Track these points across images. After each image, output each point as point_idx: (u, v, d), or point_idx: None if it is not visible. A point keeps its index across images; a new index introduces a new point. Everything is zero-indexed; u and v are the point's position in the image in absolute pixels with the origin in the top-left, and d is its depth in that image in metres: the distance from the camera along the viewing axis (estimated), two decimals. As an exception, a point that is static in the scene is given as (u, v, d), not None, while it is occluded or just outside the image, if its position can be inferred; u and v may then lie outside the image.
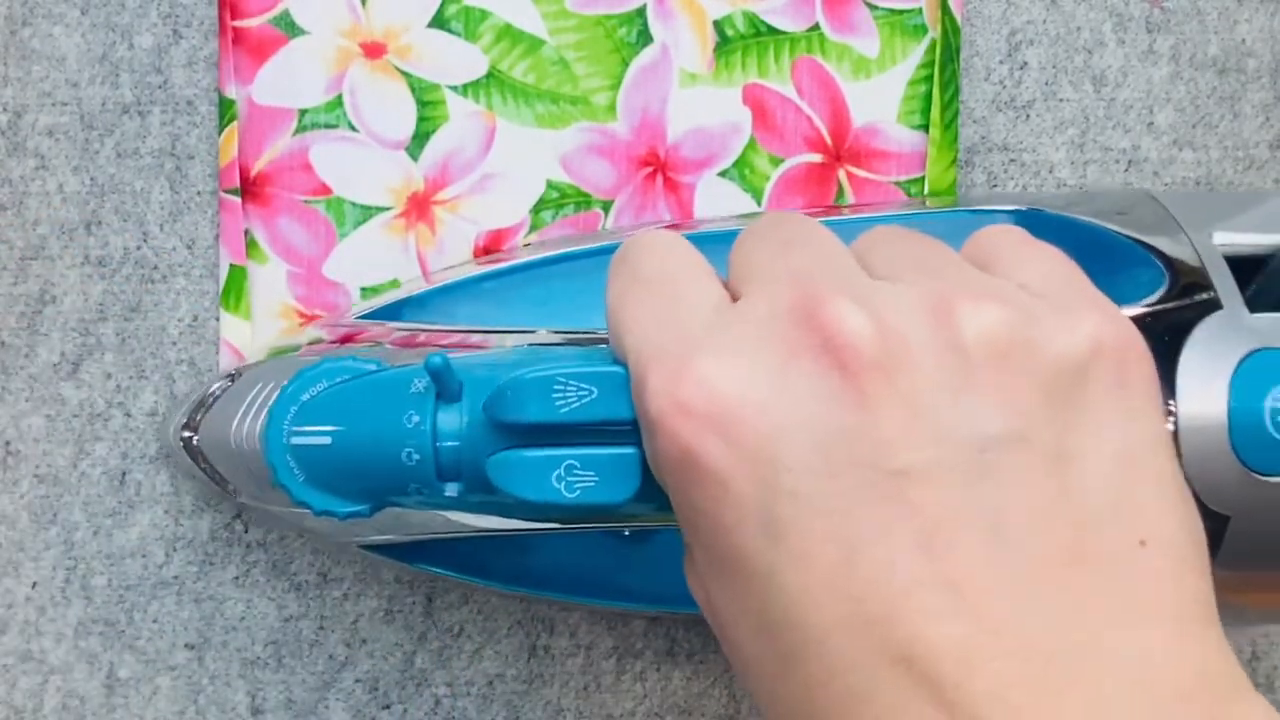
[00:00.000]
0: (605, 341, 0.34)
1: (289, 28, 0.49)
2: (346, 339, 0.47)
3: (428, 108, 0.49)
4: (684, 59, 0.49)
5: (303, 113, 0.49)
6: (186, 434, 0.46)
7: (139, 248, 0.49)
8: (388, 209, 0.49)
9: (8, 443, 0.49)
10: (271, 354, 0.48)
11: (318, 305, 0.49)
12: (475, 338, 0.45)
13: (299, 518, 0.46)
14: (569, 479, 0.33)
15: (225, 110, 0.48)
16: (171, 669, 0.50)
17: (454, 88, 0.49)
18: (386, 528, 0.46)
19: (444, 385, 0.34)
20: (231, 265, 0.48)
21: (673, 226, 0.48)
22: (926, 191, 0.49)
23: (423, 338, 0.45)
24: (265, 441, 0.35)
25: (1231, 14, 0.50)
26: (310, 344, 0.47)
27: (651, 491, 0.33)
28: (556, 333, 0.45)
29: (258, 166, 0.49)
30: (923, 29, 0.49)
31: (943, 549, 0.28)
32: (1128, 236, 0.40)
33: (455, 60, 0.49)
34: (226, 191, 0.48)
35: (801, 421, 0.29)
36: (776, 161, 0.49)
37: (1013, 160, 0.50)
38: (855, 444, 0.29)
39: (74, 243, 0.49)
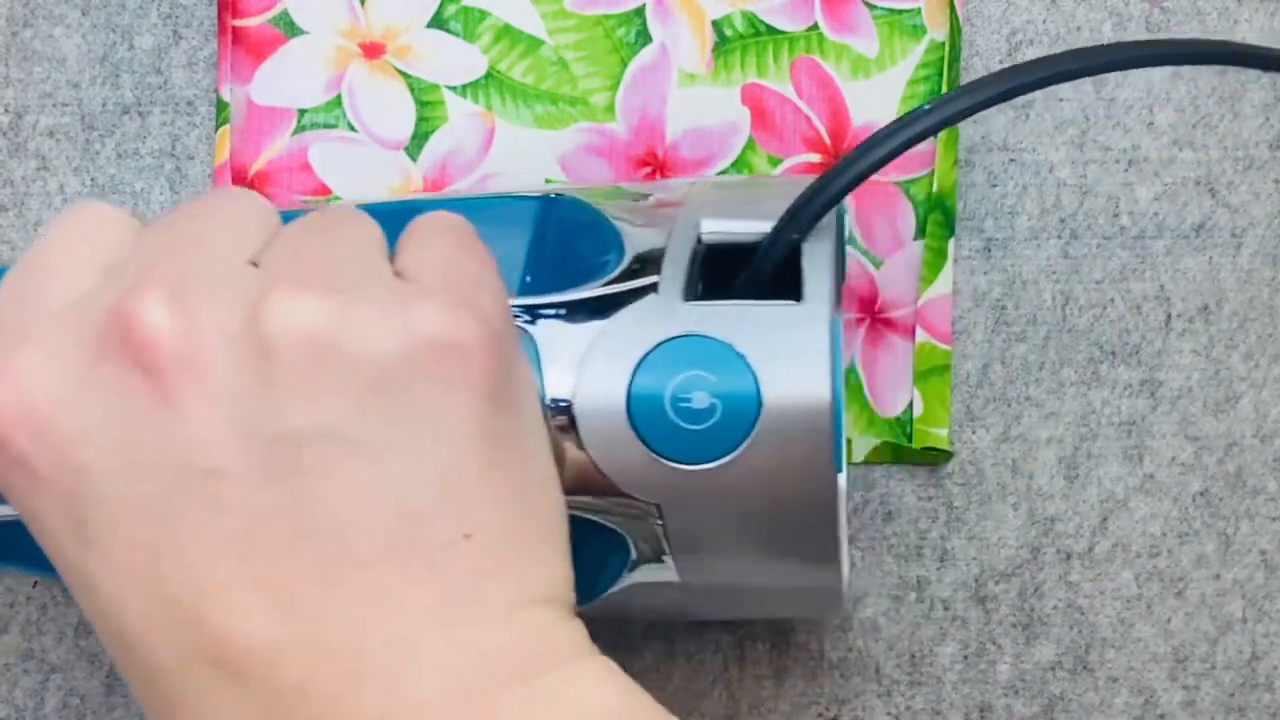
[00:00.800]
0: None
1: (288, 27, 0.49)
2: None
3: (427, 108, 0.49)
4: (683, 59, 0.49)
5: (302, 113, 0.49)
6: None
7: (139, 248, 0.49)
8: (387, 209, 0.49)
9: (9, 442, 0.50)
10: None
11: (317, 305, 0.49)
12: None
13: None
14: None
15: (220, 111, 0.49)
16: (172, 668, 0.50)
17: (453, 88, 0.49)
18: None
19: None
20: None
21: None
22: (935, 189, 0.49)
23: None
24: None
25: (1231, 14, 0.50)
26: None
27: None
28: None
29: (256, 166, 0.49)
30: (922, 29, 0.49)
31: (252, 549, 0.28)
32: (614, 220, 0.39)
33: (454, 60, 0.49)
34: None
35: (104, 423, 0.29)
36: (775, 161, 0.49)
37: (1013, 160, 0.50)
38: (162, 446, 0.28)
39: (74, 243, 0.49)
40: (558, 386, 0.35)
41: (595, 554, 0.38)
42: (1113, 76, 0.50)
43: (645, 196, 0.42)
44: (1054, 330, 0.50)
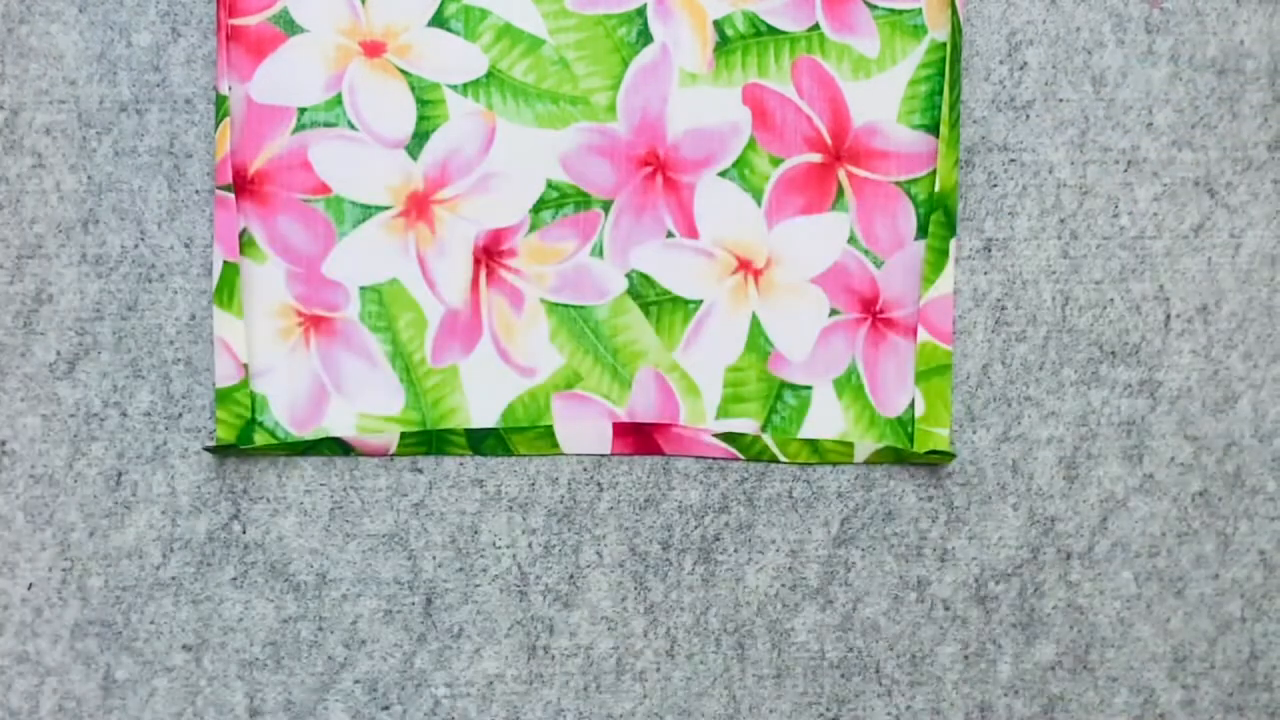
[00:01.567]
0: None
1: (288, 26, 0.49)
2: None
3: (427, 107, 0.49)
4: (684, 59, 0.49)
5: (302, 111, 0.49)
6: None
7: (136, 246, 0.49)
8: (387, 208, 0.49)
9: (3, 443, 0.49)
10: None
11: (317, 304, 0.49)
12: None
13: None
14: None
15: (219, 107, 0.48)
16: (169, 670, 0.49)
17: (454, 87, 0.49)
18: None
19: None
20: (225, 262, 0.48)
21: None
22: (938, 189, 0.49)
23: None
24: None
25: (1230, 15, 0.50)
26: None
27: None
28: None
29: (256, 165, 0.49)
30: (922, 29, 0.49)
31: None
32: None
33: (455, 59, 0.49)
34: (220, 188, 0.48)
35: None
36: (776, 161, 0.49)
37: (1013, 160, 0.50)
38: None
39: (71, 241, 0.49)
40: None
41: None
42: (1112, 76, 0.50)
43: None
44: (1054, 330, 0.50)
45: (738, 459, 0.49)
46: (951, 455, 0.49)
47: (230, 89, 0.49)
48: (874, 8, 0.49)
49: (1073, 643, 0.50)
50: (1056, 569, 0.50)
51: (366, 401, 0.49)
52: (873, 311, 0.49)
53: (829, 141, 0.49)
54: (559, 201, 0.49)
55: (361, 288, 0.49)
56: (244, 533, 0.49)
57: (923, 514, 0.50)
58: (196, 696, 0.49)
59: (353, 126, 0.49)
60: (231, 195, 0.48)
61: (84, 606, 0.49)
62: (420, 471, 0.49)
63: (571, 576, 0.50)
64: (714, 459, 0.49)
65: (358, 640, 0.50)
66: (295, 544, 0.49)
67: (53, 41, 0.49)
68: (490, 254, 0.49)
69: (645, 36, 0.49)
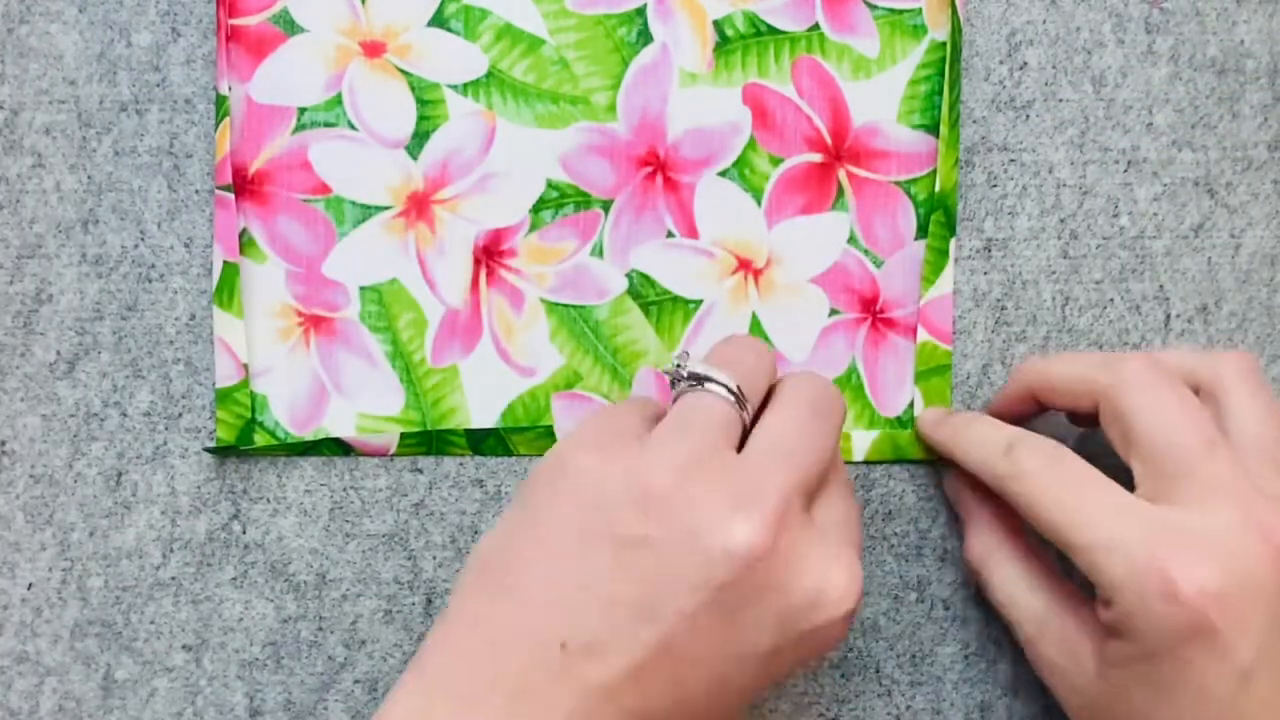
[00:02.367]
0: None
1: (288, 25, 0.49)
2: None
3: (427, 107, 0.49)
4: (684, 59, 0.49)
5: (302, 111, 0.49)
6: None
7: (136, 246, 0.49)
8: (387, 208, 0.49)
9: (3, 442, 0.49)
10: None
11: (316, 304, 0.49)
12: None
13: None
14: None
15: (219, 106, 0.48)
16: (169, 670, 0.49)
17: (454, 87, 0.49)
18: None
19: None
20: (225, 262, 0.48)
21: None
22: (938, 189, 0.49)
23: None
24: None
25: (1230, 15, 0.50)
26: None
27: None
28: None
29: (255, 165, 0.49)
30: (923, 29, 0.49)
31: None
32: None
33: (455, 59, 0.49)
34: (220, 188, 0.48)
35: None
36: (776, 161, 0.49)
37: (1012, 160, 0.50)
38: None
39: (71, 241, 0.49)
40: None
41: None
42: (1112, 76, 0.50)
43: None
44: (1054, 330, 0.50)
45: None
46: None
47: (230, 89, 0.49)
48: (874, 8, 0.49)
49: (1073, 643, 0.50)
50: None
51: (366, 401, 0.49)
52: (873, 311, 0.49)
53: (829, 141, 0.49)
54: (559, 201, 0.49)
55: (361, 288, 0.49)
56: (244, 533, 0.49)
57: (923, 514, 0.50)
58: (196, 696, 0.49)
59: (353, 126, 0.49)
60: (231, 195, 0.48)
61: (84, 606, 0.49)
62: (420, 471, 0.49)
63: (571, 576, 0.50)
64: None
65: (358, 640, 0.50)
66: (295, 544, 0.49)
67: (53, 41, 0.49)
68: (490, 254, 0.49)
69: (645, 36, 0.49)
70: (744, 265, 0.49)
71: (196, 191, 0.49)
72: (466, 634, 0.38)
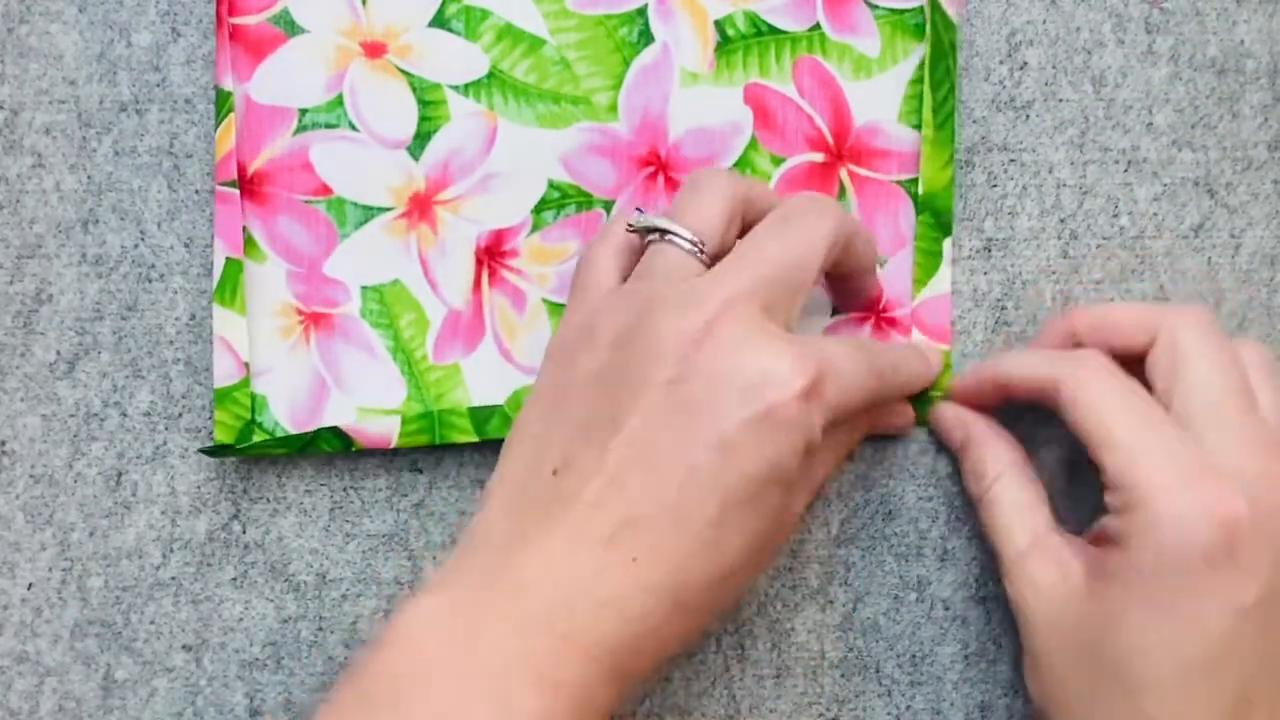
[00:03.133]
0: None
1: (288, 26, 0.49)
2: None
3: (429, 107, 0.49)
4: (685, 59, 0.49)
5: (303, 112, 0.49)
6: None
7: (136, 246, 0.49)
8: (389, 209, 0.49)
9: (3, 442, 0.49)
10: None
11: (317, 302, 0.49)
12: None
13: None
14: None
15: (222, 103, 0.48)
16: (169, 670, 0.49)
17: (455, 87, 0.49)
18: None
19: None
20: (227, 259, 0.48)
21: None
22: (922, 192, 0.49)
23: None
24: None
25: (1230, 15, 0.50)
26: None
27: None
28: None
29: (255, 165, 0.49)
30: (923, 29, 0.49)
31: None
32: None
33: (456, 60, 0.49)
34: (223, 184, 0.48)
35: None
36: (778, 161, 0.49)
37: (1012, 160, 0.50)
38: None
39: (71, 241, 0.49)
40: None
41: None
42: (1112, 76, 0.50)
43: None
44: (1054, 330, 0.50)
45: None
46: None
47: (231, 85, 0.49)
48: (875, 7, 0.49)
49: (1073, 642, 0.50)
50: (1057, 568, 0.50)
51: (367, 395, 0.49)
52: (875, 310, 0.49)
53: (830, 141, 0.49)
54: (560, 202, 0.49)
55: (363, 287, 0.49)
56: (244, 533, 0.49)
57: (923, 514, 0.50)
58: (196, 696, 0.49)
59: (354, 128, 0.49)
60: (235, 191, 0.48)
61: (84, 606, 0.49)
62: (420, 471, 0.49)
63: (571, 576, 0.50)
64: None
65: (358, 640, 0.50)
66: (295, 544, 0.49)
67: (53, 41, 0.49)
68: (492, 254, 0.49)
69: (646, 36, 0.49)
70: (745, 265, 0.49)
71: (196, 191, 0.49)
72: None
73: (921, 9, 0.49)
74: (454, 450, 0.49)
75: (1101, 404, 0.42)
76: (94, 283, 0.49)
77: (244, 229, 0.49)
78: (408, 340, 0.49)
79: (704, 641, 0.50)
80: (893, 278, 0.49)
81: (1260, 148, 0.50)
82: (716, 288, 0.41)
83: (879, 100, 0.49)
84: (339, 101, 0.49)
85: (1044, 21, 0.50)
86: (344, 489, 0.49)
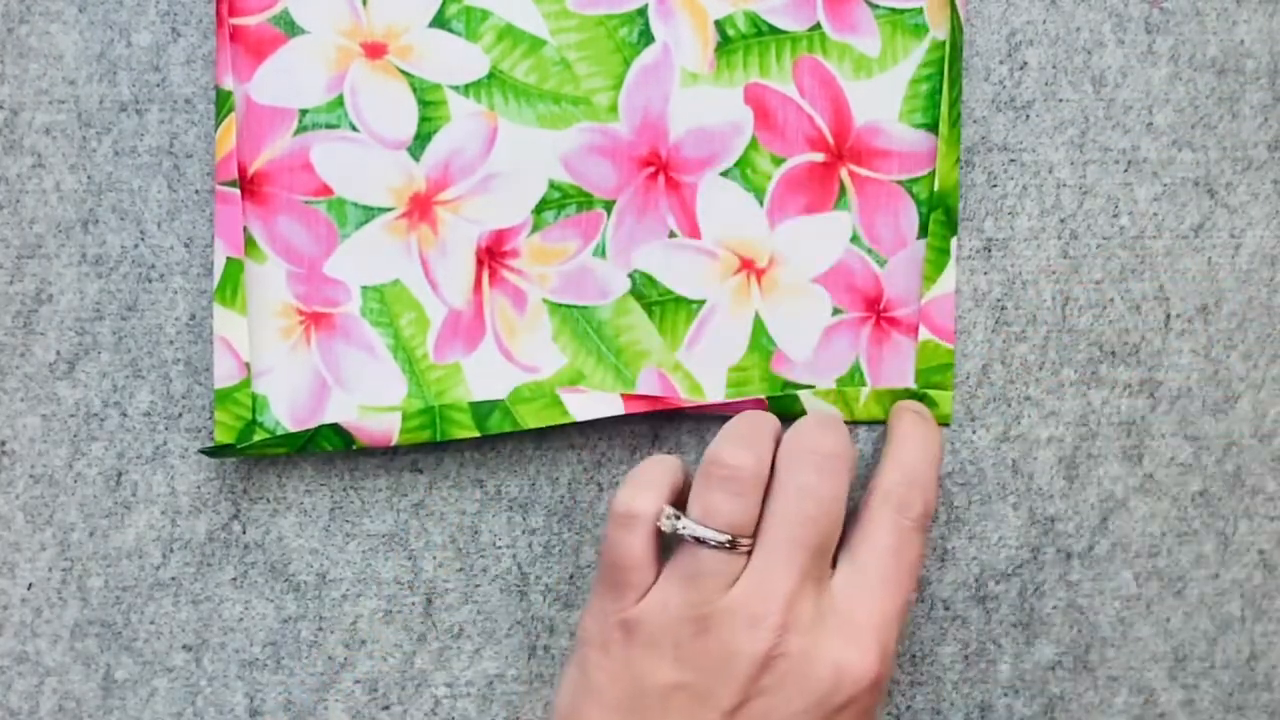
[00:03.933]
0: None
1: (288, 26, 0.49)
2: None
3: (429, 108, 0.49)
4: (685, 59, 0.49)
5: (303, 112, 0.49)
6: None
7: (136, 246, 0.49)
8: (390, 210, 0.49)
9: (3, 443, 0.49)
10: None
11: (318, 302, 0.49)
12: None
13: None
14: None
15: (222, 103, 0.48)
16: (169, 670, 0.49)
17: (455, 88, 0.49)
18: None
19: None
20: (228, 259, 0.48)
21: None
22: (936, 189, 0.49)
23: None
24: None
25: (1230, 15, 0.50)
26: None
27: None
28: None
29: (255, 165, 0.49)
30: (924, 28, 0.49)
31: None
32: None
33: (456, 60, 0.49)
34: (223, 184, 0.48)
35: None
36: (778, 161, 0.49)
37: (1012, 160, 0.50)
38: None
39: (71, 241, 0.49)
40: None
41: None
42: (1112, 76, 0.50)
43: None
44: (1054, 330, 0.50)
45: (763, 404, 0.49)
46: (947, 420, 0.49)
47: (231, 84, 0.48)
48: (875, 7, 0.49)
49: (1073, 643, 0.50)
50: (1056, 569, 0.50)
51: (367, 393, 0.49)
52: (876, 310, 0.49)
53: (831, 141, 0.49)
54: (561, 202, 0.49)
55: (364, 287, 0.49)
56: (244, 533, 0.49)
57: (923, 514, 0.50)
58: (196, 696, 0.49)
59: (354, 128, 0.49)
60: (235, 190, 0.48)
61: (84, 606, 0.49)
62: (420, 471, 0.49)
63: (571, 576, 0.50)
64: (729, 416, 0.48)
65: (358, 640, 0.50)
66: (295, 544, 0.49)
67: (52, 41, 0.49)
68: (493, 254, 0.49)
69: (646, 36, 0.49)
70: (747, 265, 0.49)
71: (196, 191, 0.49)
72: None
73: (922, 9, 0.49)
74: (454, 450, 0.49)
75: None
76: (94, 283, 0.49)
77: (244, 229, 0.49)
78: (408, 339, 0.49)
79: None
80: (894, 278, 0.49)
81: (1260, 148, 0.50)
82: (771, 589, 0.43)
83: (880, 100, 0.49)
84: (339, 102, 0.49)
85: (1044, 21, 0.50)
86: (344, 489, 0.49)
